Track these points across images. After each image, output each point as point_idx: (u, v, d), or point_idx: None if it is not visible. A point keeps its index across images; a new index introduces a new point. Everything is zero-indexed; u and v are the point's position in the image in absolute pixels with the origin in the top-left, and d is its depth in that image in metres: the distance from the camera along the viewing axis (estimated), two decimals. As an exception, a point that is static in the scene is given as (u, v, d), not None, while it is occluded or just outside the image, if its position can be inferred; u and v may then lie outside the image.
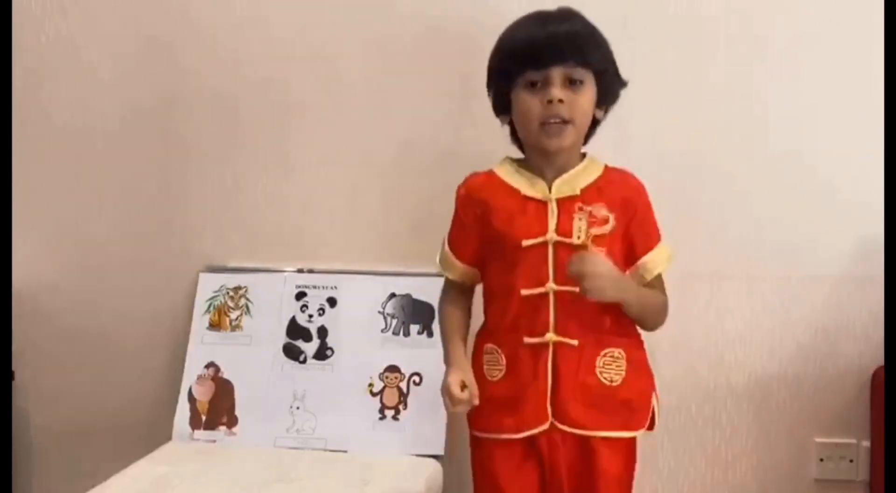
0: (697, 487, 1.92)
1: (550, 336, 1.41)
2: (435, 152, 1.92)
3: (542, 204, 1.43)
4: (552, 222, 1.42)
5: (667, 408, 1.86)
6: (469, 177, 1.51)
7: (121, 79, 1.99)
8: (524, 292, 1.42)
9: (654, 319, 1.50)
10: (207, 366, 1.90)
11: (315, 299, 1.92)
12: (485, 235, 1.47)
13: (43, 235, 2.05)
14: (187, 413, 1.88)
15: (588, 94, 1.42)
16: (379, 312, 1.89)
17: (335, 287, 1.92)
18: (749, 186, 1.85)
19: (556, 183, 1.44)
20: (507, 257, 1.44)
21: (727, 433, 1.91)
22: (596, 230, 1.40)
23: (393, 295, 1.90)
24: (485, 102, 1.88)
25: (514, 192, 1.45)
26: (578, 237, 1.40)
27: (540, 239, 1.41)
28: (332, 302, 1.92)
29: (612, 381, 1.43)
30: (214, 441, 1.85)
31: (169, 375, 1.96)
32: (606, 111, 1.49)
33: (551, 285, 1.41)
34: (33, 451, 2.08)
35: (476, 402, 1.41)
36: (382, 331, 1.88)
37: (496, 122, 1.84)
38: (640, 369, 1.47)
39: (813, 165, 1.84)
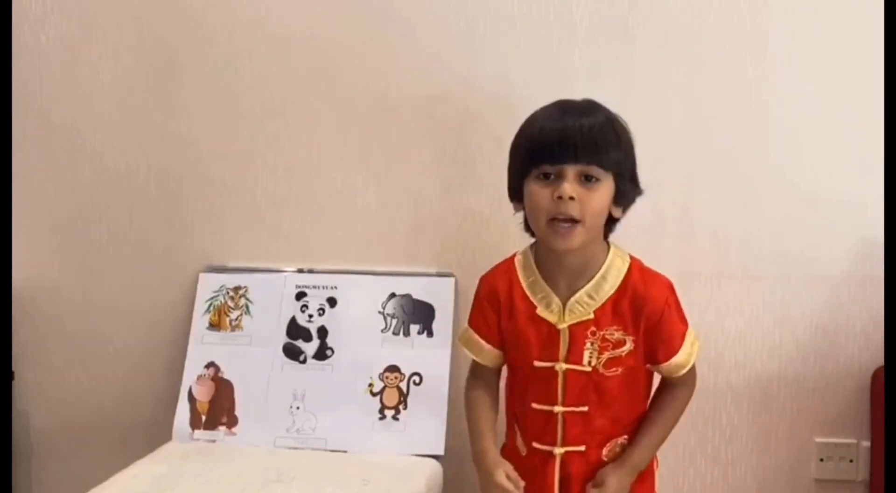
0: (697, 487, 1.92)
1: (557, 450, 1.44)
2: (435, 152, 1.92)
3: (555, 328, 1.42)
4: (563, 351, 1.42)
5: (667, 408, 1.87)
6: (492, 272, 1.50)
7: (121, 79, 1.99)
8: (535, 406, 1.44)
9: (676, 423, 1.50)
10: (207, 366, 1.90)
11: (315, 299, 1.92)
12: (505, 330, 1.48)
13: (43, 235, 2.04)
14: (187, 413, 1.88)
15: (602, 191, 1.36)
16: (379, 312, 1.89)
17: (335, 287, 1.92)
18: (749, 186, 1.85)
19: (570, 303, 1.41)
20: (521, 368, 1.47)
21: (727, 434, 1.91)
22: (608, 355, 1.41)
23: (393, 295, 1.90)
24: (483, 99, 1.89)
25: (531, 306, 1.44)
26: (589, 363, 1.41)
27: (550, 364, 1.42)
28: (332, 302, 1.92)
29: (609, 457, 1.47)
30: (214, 441, 1.85)
31: (169, 375, 1.96)
32: (625, 210, 1.43)
33: (560, 408, 1.43)
34: (33, 451, 2.08)
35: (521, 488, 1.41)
36: (382, 331, 1.88)
37: (495, 122, 1.85)
38: None
39: (813, 165, 1.83)
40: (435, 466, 1.73)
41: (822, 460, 1.88)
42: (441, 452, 1.77)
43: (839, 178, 1.83)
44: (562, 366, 1.41)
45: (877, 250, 1.71)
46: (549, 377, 1.43)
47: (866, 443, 1.86)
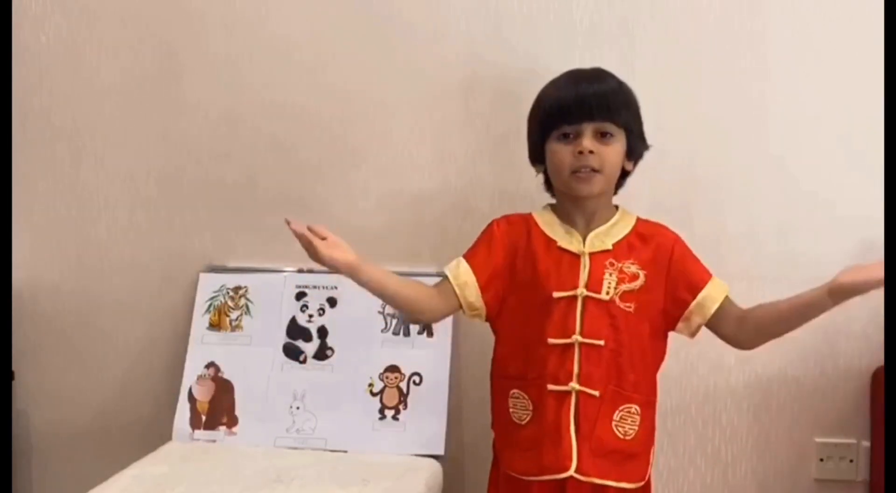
0: (697, 487, 1.92)
1: (573, 386, 1.46)
2: (435, 151, 1.92)
3: (576, 257, 1.49)
4: (583, 277, 1.48)
5: (667, 408, 1.87)
6: (509, 215, 1.56)
7: (121, 79, 1.99)
8: (551, 341, 1.47)
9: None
10: (207, 366, 1.90)
11: (315, 299, 1.92)
12: (512, 277, 1.51)
13: (43, 235, 2.04)
14: (187, 413, 1.88)
15: (617, 146, 1.49)
16: (379, 312, 1.89)
17: (335, 287, 1.92)
18: (749, 186, 1.85)
19: (590, 236, 1.50)
20: (537, 306, 1.49)
21: (727, 434, 1.91)
22: (625, 287, 1.47)
23: (393, 295, 1.90)
24: (483, 99, 1.89)
25: (551, 242, 1.50)
26: (607, 293, 1.47)
27: (570, 293, 1.47)
28: (332, 302, 1.92)
29: (625, 435, 1.48)
30: (214, 441, 1.85)
31: (169, 375, 1.96)
32: (635, 164, 1.56)
33: (577, 337, 1.46)
34: (33, 451, 2.08)
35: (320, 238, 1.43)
36: (382, 331, 1.88)
37: (495, 121, 1.84)
38: (649, 427, 1.52)
39: (813, 165, 1.84)
40: (435, 466, 1.73)
41: (822, 460, 1.88)
42: (441, 452, 1.77)
43: (839, 178, 1.83)
44: (582, 292, 1.47)
45: (877, 250, 1.71)
46: (568, 309, 1.47)
47: (866, 443, 1.86)
